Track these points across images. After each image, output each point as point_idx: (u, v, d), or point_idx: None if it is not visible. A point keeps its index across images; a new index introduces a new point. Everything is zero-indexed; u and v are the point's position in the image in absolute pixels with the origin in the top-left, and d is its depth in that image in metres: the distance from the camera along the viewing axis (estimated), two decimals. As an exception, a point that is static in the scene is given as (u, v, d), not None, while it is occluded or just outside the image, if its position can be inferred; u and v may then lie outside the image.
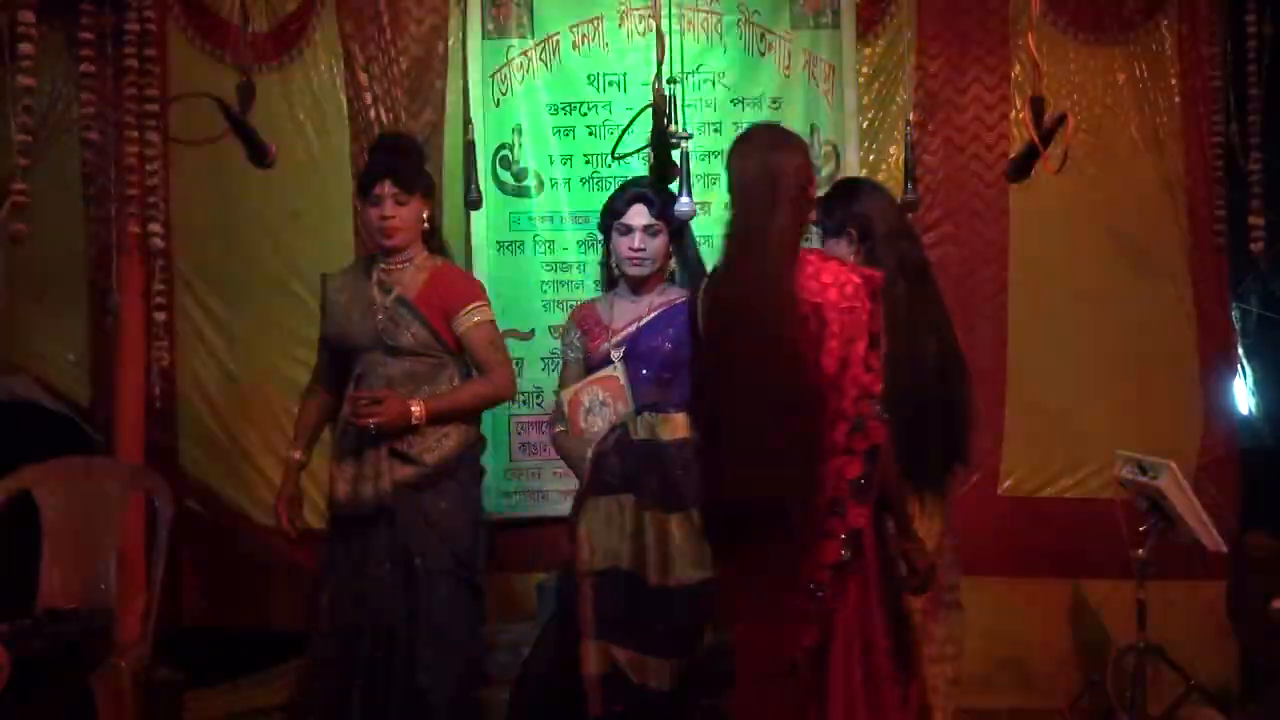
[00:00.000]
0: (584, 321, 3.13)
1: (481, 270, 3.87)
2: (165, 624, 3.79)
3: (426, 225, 3.04)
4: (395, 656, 2.87)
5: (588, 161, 3.91)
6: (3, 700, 2.79)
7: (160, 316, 3.76)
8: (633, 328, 3.05)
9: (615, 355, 3.02)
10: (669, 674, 2.87)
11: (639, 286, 3.08)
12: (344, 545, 2.96)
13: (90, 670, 3.25)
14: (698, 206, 3.53)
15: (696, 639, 2.90)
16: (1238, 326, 3.95)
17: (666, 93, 2.92)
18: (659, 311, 3.06)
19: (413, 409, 2.88)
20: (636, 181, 3.11)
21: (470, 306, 3.01)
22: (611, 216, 3.06)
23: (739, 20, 3.89)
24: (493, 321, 3.07)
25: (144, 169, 3.73)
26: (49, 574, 3.44)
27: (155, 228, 3.73)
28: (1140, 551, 3.13)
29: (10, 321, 3.71)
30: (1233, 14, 3.78)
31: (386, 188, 2.94)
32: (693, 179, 3.41)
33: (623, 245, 3.03)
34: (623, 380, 3.01)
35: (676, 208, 3.13)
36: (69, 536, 3.48)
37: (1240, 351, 3.95)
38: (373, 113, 3.88)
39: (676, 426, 2.97)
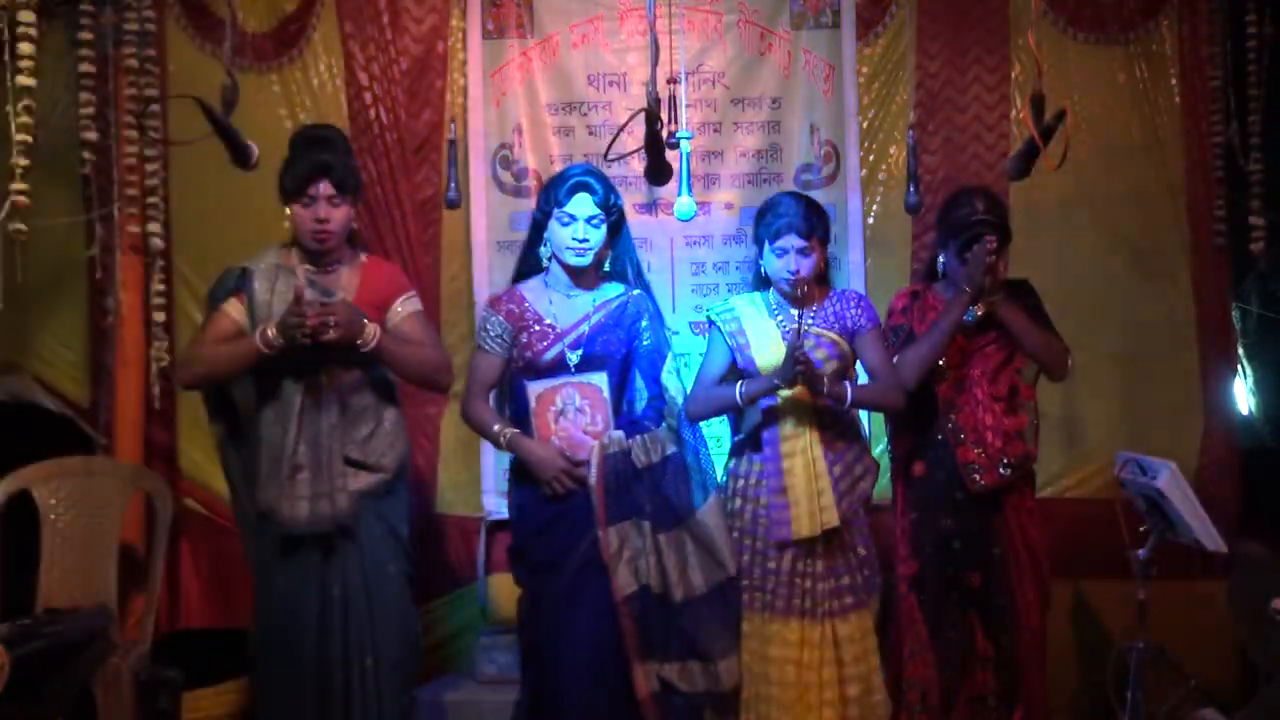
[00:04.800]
0: (514, 316, 2.98)
1: (481, 270, 3.87)
2: (165, 624, 3.80)
3: (355, 225, 2.94)
4: (354, 662, 2.83)
5: (587, 161, 3.90)
6: (3, 700, 2.79)
7: (160, 316, 3.77)
8: (584, 327, 2.96)
9: (572, 358, 2.93)
10: (719, 675, 2.87)
11: (578, 279, 2.99)
12: (299, 561, 2.82)
13: (90, 670, 3.25)
14: (697, 206, 3.54)
15: (733, 635, 2.92)
16: (1238, 326, 3.95)
17: (660, 96, 2.90)
18: (608, 310, 2.99)
19: (368, 325, 2.76)
20: (578, 169, 3.02)
21: (405, 296, 2.94)
22: (553, 205, 2.94)
23: (739, 20, 3.89)
24: (423, 311, 3.01)
25: (144, 169, 3.74)
26: (49, 574, 3.44)
27: (155, 228, 3.75)
28: (1140, 551, 3.13)
29: (10, 321, 3.70)
30: (1233, 14, 3.79)
31: (322, 188, 2.79)
32: (692, 179, 3.42)
33: (564, 235, 2.92)
34: (606, 392, 2.92)
35: (677, 208, 3.13)
36: (69, 536, 3.48)
37: (1240, 351, 3.95)
38: (373, 113, 3.88)
39: (665, 443, 2.93)
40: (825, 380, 2.88)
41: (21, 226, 3.08)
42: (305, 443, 2.78)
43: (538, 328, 2.96)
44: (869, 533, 3.07)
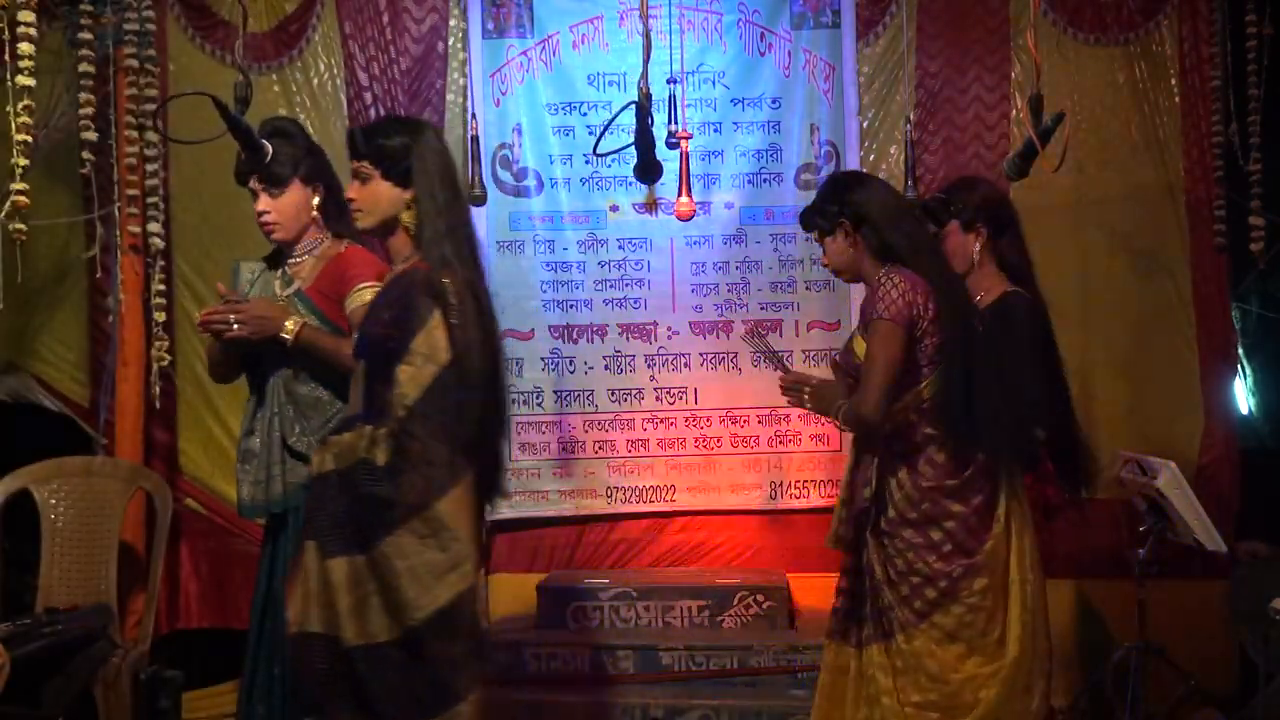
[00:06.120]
0: None
1: (481, 270, 3.87)
2: (165, 624, 3.81)
3: (317, 213, 2.72)
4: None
5: (587, 162, 3.91)
6: (3, 700, 2.79)
7: (160, 316, 3.77)
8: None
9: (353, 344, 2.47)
10: None
11: (391, 251, 2.45)
12: (262, 552, 2.77)
13: (90, 670, 3.25)
14: (697, 206, 3.54)
15: (427, 703, 2.16)
16: (1238, 326, 3.95)
17: (652, 93, 2.87)
18: (385, 288, 2.43)
19: (286, 321, 2.58)
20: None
21: (360, 285, 2.63)
22: None
23: (739, 20, 3.90)
24: None
25: (144, 169, 3.74)
26: (49, 574, 3.45)
27: (155, 228, 3.75)
28: (1140, 551, 3.13)
29: (10, 321, 3.70)
30: (1233, 14, 3.79)
31: (255, 182, 2.69)
32: (692, 179, 3.42)
33: None
34: (362, 382, 2.34)
35: (676, 207, 3.12)
36: (69, 536, 3.49)
37: (1240, 351, 3.96)
38: (372, 113, 3.88)
39: (354, 450, 2.21)
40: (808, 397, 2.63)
41: (21, 226, 3.08)
42: (255, 432, 2.71)
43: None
44: (927, 543, 2.54)
